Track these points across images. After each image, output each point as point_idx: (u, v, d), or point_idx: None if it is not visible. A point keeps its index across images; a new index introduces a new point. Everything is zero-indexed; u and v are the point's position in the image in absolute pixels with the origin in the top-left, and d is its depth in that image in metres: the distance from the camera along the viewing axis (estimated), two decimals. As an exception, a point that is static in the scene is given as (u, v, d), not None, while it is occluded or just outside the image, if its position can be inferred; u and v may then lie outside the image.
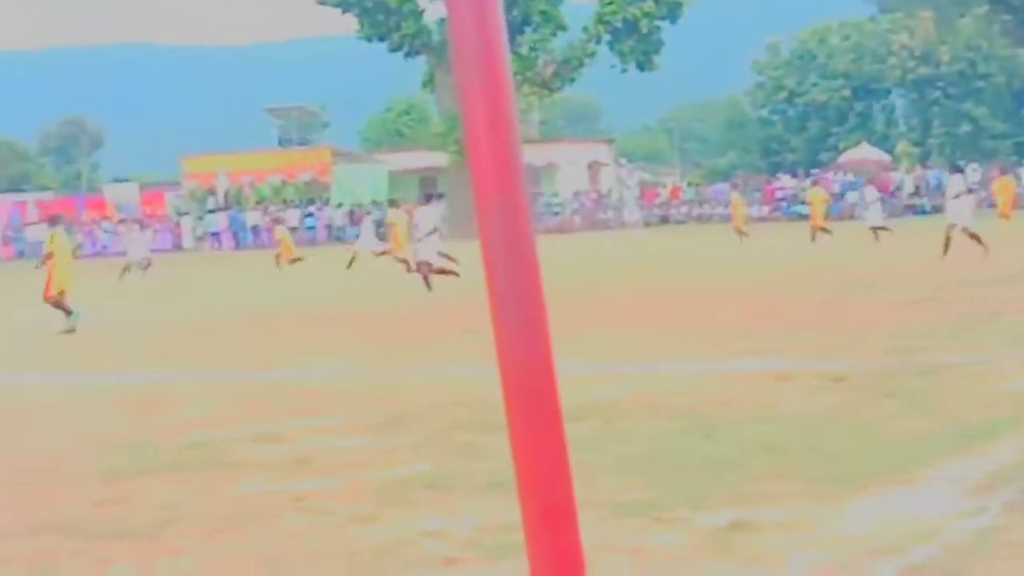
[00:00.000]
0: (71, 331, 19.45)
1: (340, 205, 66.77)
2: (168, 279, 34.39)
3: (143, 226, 49.19)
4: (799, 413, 8.99)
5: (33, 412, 11.22)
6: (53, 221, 22.82)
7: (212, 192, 69.43)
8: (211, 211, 68.20)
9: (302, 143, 73.40)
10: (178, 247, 67.08)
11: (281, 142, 74.42)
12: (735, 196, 42.58)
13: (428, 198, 27.51)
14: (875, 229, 32.03)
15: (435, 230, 24.57)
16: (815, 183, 41.99)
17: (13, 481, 8.11)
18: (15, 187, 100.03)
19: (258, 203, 69.76)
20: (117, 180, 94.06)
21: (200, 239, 66.30)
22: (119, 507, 7.20)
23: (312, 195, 69.32)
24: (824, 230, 33.24)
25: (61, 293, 20.33)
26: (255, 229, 66.33)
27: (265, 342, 16.71)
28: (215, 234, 66.29)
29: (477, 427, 8.98)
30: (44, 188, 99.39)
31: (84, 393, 12.46)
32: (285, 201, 68.50)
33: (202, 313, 22.60)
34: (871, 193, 35.10)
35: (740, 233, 37.00)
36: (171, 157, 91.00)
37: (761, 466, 7.30)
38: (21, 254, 68.97)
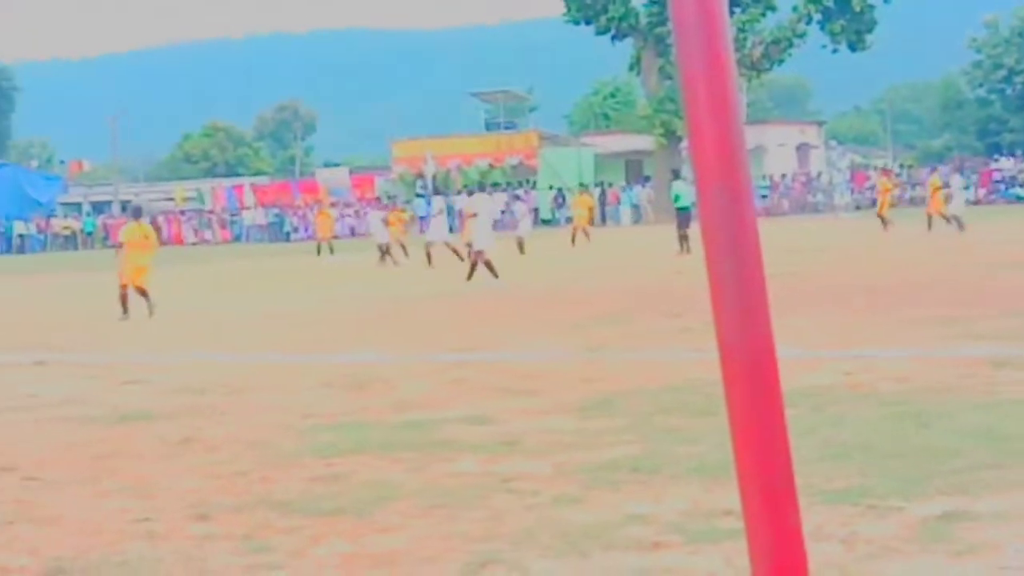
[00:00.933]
0: (148, 316, 20.50)
1: (552, 187, 67.03)
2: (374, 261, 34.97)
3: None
4: (1019, 400, 8.73)
5: (249, 390, 11.54)
6: (135, 213, 23.46)
7: (420, 176, 70.39)
8: (419, 195, 69.16)
9: (509, 127, 73.91)
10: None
11: (488, 126, 75.07)
12: (883, 181, 40.74)
13: (481, 186, 27.73)
14: None
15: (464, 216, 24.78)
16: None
17: (231, 457, 8.36)
18: (232, 171, 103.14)
19: (465, 187, 70.54)
20: (329, 164, 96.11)
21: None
22: (332, 485, 7.36)
23: (519, 179, 69.79)
24: None
25: (125, 286, 21.07)
26: (461, 214, 67.04)
27: (475, 323, 16.90)
28: (423, 218, 67.24)
29: (684, 411, 8.95)
30: (259, 172, 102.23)
31: (297, 373, 12.77)
32: (494, 184, 69.11)
33: (410, 294, 22.95)
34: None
35: (884, 221, 35.79)
36: (381, 141, 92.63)
37: (978, 454, 7.11)
38: (237, 237, 70.98)
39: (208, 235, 73.28)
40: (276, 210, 73.31)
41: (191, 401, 10.94)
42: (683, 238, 31.17)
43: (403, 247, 35.80)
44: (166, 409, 10.53)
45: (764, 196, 64.24)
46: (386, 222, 36.54)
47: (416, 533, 6.21)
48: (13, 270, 46.12)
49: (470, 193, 26.26)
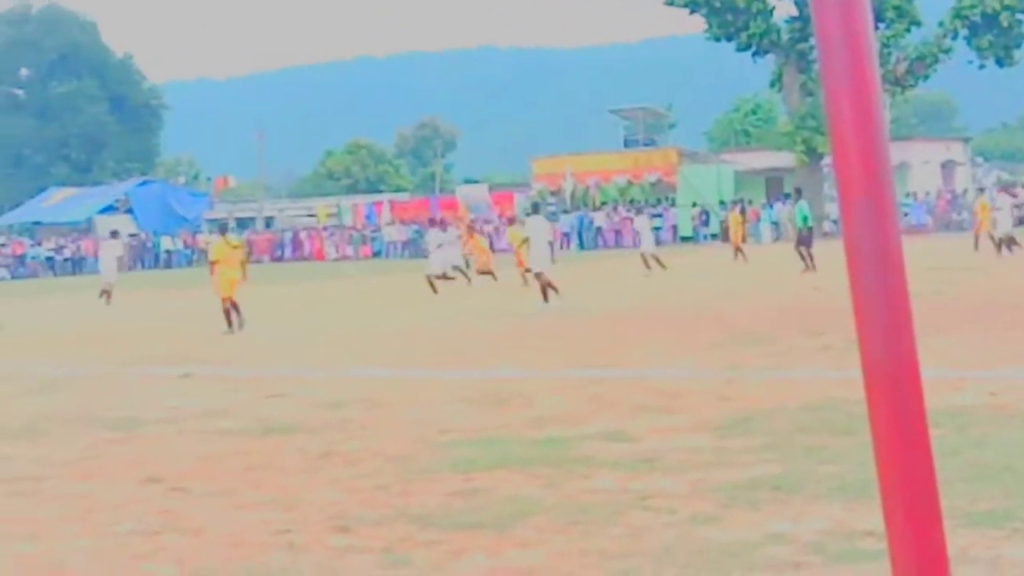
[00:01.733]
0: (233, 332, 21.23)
1: (695, 204, 66.65)
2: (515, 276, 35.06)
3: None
4: None
5: (389, 405, 11.65)
6: (221, 229, 23.98)
7: (559, 193, 70.48)
8: (552, 213, 69.27)
9: (648, 144, 73.68)
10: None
11: (627, 143, 74.91)
12: (981, 200, 39.31)
13: (536, 207, 27.54)
14: None
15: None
16: None
17: (371, 471, 8.44)
18: (373, 188, 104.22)
19: (603, 204, 70.45)
20: (469, 181, 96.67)
21: (550, 242, 67.29)
22: (470, 499, 7.40)
23: (658, 196, 69.53)
24: None
25: (226, 300, 21.79)
26: (599, 230, 67.03)
27: (613, 340, 16.86)
28: (564, 235, 67.17)
29: (824, 430, 8.84)
30: (399, 189, 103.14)
31: (435, 388, 12.86)
32: (631, 202, 68.94)
33: (549, 311, 22.96)
34: None
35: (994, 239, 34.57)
36: (520, 159, 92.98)
37: None
38: (378, 253, 71.67)
39: (349, 251, 74.14)
40: (416, 226, 73.94)
41: (332, 415, 11.07)
42: (807, 256, 31.14)
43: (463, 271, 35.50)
44: (308, 423, 10.68)
45: (906, 213, 63.19)
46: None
47: (554, 549, 6.22)
48: (160, 284, 47.10)
49: (528, 214, 26.05)
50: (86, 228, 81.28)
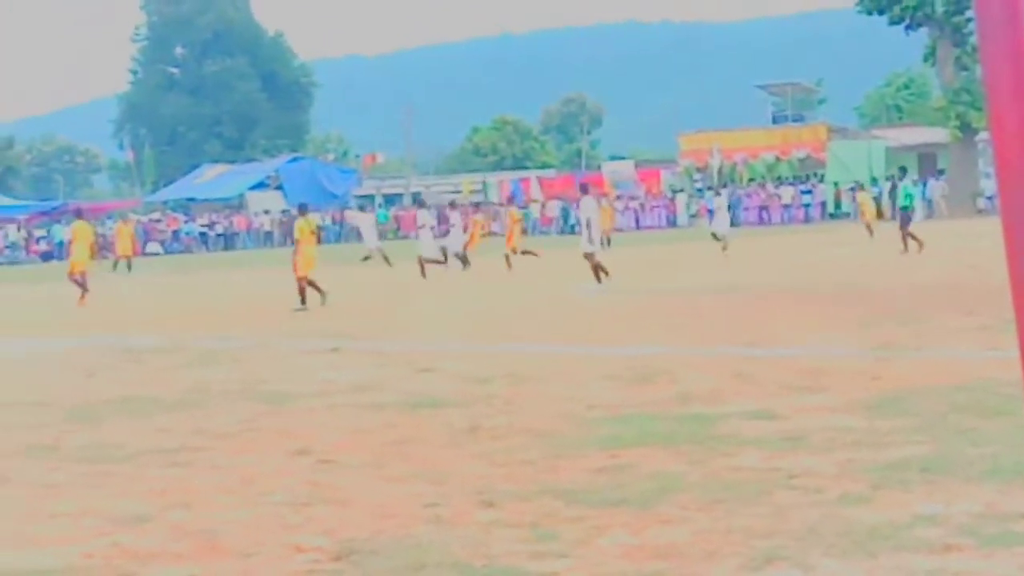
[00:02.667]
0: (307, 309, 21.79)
1: (836, 184, 65.73)
2: (659, 253, 34.96)
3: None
4: None
5: (535, 381, 11.70)
6: (302, 210, 24.28)
7: (706, 169, 69.96)
8: (699, 189, 68.77)
9: (796, 120, 72.81)
10: (672, 224, 68.14)
11: (775, 119, 74.10)
12: None
13: (584, 188, 27.03)
14: None
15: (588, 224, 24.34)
16: None
17: (516, 446, 8.50)
18: (519, 164, 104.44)
19: (751, 180, 69.79)
20: (614, 158, 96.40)
21: (694, 216, 66.89)
22: (615, 476, 7.41)
23: (806, 172, 68.66)
24: None
25: (302, 278, 22.36)
26: (747, 208, 66.45)
27: (759, 318, 16.72)
28: (709, 211, 66.64)
29: (978, 411, 8.67)
30: (545, 166, 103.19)
31: (581, 364, 12.87)
32: (779, 178, 68.18)
33: (689, 287, 22.85)
34: None
35: None
36: (667, 135, 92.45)
37: None
38: (524, 230, 71.82)
39: (496, 227, 74.43)
40: (561, 203, 73.96)
41: (479, 390, 11.16)
42: (906, 237, 30.57)
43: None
44: (455, 397, 10.78)
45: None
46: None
47: (698, 527, 6.20)
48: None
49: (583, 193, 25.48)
50: (238, 204, 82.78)
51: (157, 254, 70.26)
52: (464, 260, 33.96)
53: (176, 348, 16.51)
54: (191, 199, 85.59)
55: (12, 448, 9.40)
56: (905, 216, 31.53)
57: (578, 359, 13.35)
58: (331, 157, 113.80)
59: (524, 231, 37.51)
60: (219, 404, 11.13)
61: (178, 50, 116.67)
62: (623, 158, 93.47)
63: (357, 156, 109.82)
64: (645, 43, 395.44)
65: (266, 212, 77.97)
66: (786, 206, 66.06)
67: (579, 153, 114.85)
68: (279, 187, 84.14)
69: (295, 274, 22.48)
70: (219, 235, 77.08)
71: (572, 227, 71.20)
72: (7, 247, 74.72)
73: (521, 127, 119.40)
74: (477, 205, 43.97)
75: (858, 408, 9.23)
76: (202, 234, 77.32)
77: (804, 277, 24.30)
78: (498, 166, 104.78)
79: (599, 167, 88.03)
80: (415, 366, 13.20)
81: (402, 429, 9.38)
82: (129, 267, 44.00)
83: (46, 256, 72.55)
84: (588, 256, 24.01)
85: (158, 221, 78.34)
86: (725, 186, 68.25)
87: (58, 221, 76.71)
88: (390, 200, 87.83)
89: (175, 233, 77.01)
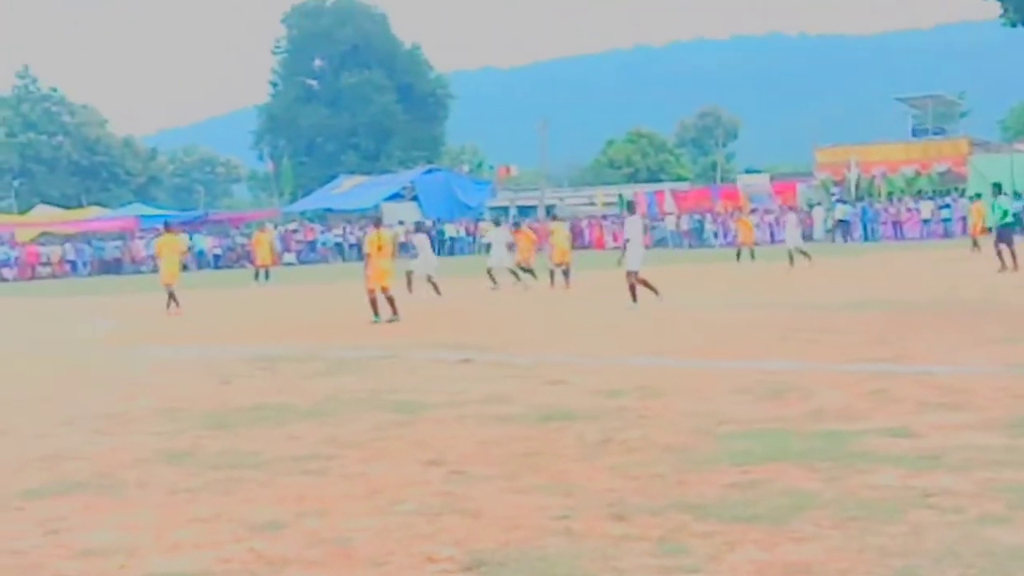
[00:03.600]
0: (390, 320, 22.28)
1: (976, 196, 64.42)
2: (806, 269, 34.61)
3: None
4: None
5: (666, 394, 11.62)
6: (376, 222, 24.42)
7: (842, 183, 69.10)
8: (841, 201, 67.88)
9: (937, 133, 71.57)
10: (807, 238, 67.38)
11: (915, 132, 72.93)
12: None
13: (631, 207, 26.88)
14: None
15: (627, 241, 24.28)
16: None
17: (648, 460, 8.45)
18: (654, 177, 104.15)
19: (889, 195, 68.75)
20: (750, 171, 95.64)
21: (830, 231, 66.06)
22: (747, 492, 7.33)
23: (947, 187, 67.44)
24: None
25: (383, 289, 22.66)
26: (884, 222, 65.46)
27: (892, 334, 16.44)
28: (845, 223, 65.71)
29: (1123, 433, 8.43)
30: (680, 178, 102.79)
31: (712, 378, 12.76)
32: (919, 192, 67.06)
33: (820, 302, 22.54)
34: None
35: None
36: (804, 148, 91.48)
37: None
38: (659, 243, 71.51)
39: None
40: (696, 216, 73.60)
41: (610, 403, 11.12)
42: (1007, 254, 30.05)
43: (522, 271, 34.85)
44: (586, 410, 10.75)
45: None
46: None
47: (831, 544, 6.11)
48: (444, 271, 48.08)
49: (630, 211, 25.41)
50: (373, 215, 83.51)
51: (292, 264, 71.30)
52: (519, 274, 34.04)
53: (310, 357, 16.71)
54: (328, 210, 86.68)
55: (150, 454, 9.59)
56: (1003, 233, 31.15)
57: (708, 373, 13.24)
58: (466, 169, 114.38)
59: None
60: (351, 413, 11.23)
61: (317, 62, 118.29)
62: (758, 171, 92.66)
63: (491, 168, 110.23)
64: (782, 56, 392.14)
65: (401, 223, 78.68)
66: (925, 221, 64.95)
67: (714, 166, 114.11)
68: (414, 198, 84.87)
69: (366, 287, 22.69)
70: (352, 245, 77.95)
71: (705, 240, 70.84)
72: (149, 256, 76.33)
73: (656, 140, 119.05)
74: (554, 216, 44.08)
75: (998, 426, 9.03)
76: (337, 244, 78.24)
77: (941, 293, 23.86)
78: (632, 179, 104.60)
79: (734, 180, 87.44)
80: (545, 378, 13.20)
81: (533, 441, 9.38)
82: (267, 276, 44.70)
83: (185, 265, 73.96)
84: (630, 274, 23.98)
85: (295, 231, 79.49)
86: (862, 199, 67.40)
87: (199, 231, 78.26)
88: (524, 212, 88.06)
89: (311, 243, 78.04)
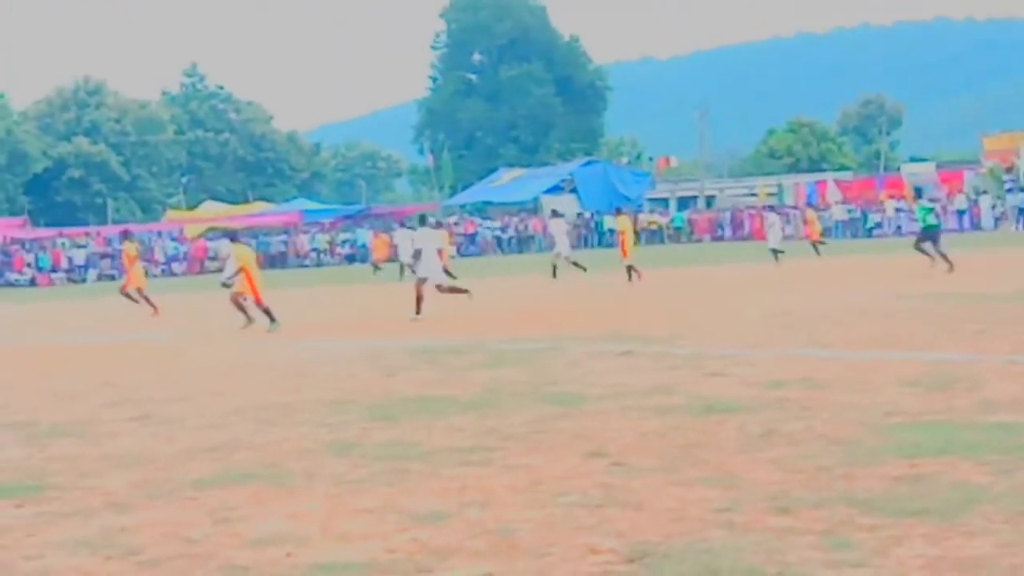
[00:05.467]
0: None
1: None
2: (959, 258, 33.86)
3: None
4: None
5: (829, 386, 11.47)
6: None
7: (1012, 170, 67.43)
8: (1008, 190, 66.27)
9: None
10: (976, 227, 65.84)
11: (1088, 117, 70.88)
12: None
13: (423, 219, 26.81)
14: None
15: None
16: None
17: (812, 452, 8.35)
18: (815, 167, 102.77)
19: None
20: (914, 159, 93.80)
21: (999, 219, 64.52)
22: (915, 485, 7.21)
23: None
24: None
25: (256, 301, 23.40)
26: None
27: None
28: (1020, 211, 64.04)
29: None
30: (843, 168, 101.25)
31: (876, 369, 12.55)
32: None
33: (995, 293, 22.04)
34: None
35: None
36: (970, 135, 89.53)
37: None
38: (826, 231, 70.57)
39: (789, 230, 73.42)
40: (859, 206, 72.46)
41: (772, 395, 11.02)
42: (931, 253, 30.32)
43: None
44: (748, 402, 10.67)
45: None
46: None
47: (1002, 539, 5.98)
48: (602, 262, 48.08)
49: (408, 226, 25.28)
50: (533, 208, 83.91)
51: (452, 257, 71.80)
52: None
53: (471, 349, 16.84)
54: (487, 202, 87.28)
55: (318, 445, 9.76)
56: (924, 235, 31.25)
57: (874, 364, 13.02)
58: (625, 160, 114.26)
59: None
60: (512, 405, 11.30)
61: (476, 56, 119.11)
62: (923, 160, 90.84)
63: (651, 159, 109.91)
64: (947, 42, 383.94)
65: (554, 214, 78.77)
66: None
67: (878, 155, 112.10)
68: (573, 190, 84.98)
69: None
70: (511, 238, 78.32)
71: (870, 230, 69.70)
72: (312, 250, 77.64)
73: (817, 129, 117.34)
74: (618, 209, 44.62)
75: None
76: (496, 237, 78.71)
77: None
78: (793, 168, 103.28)
79: (898, 169, 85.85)
80: (706, 370, 13.13)
81: (694, 433, 9.34)
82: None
83: (350, 258, 75.10)
84: (421, 281, 23.93)
85: (456, 224, 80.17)
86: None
87: (361, 225, 79.29)
88: (683, 203, 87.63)
89: (471, 236, 78.61)
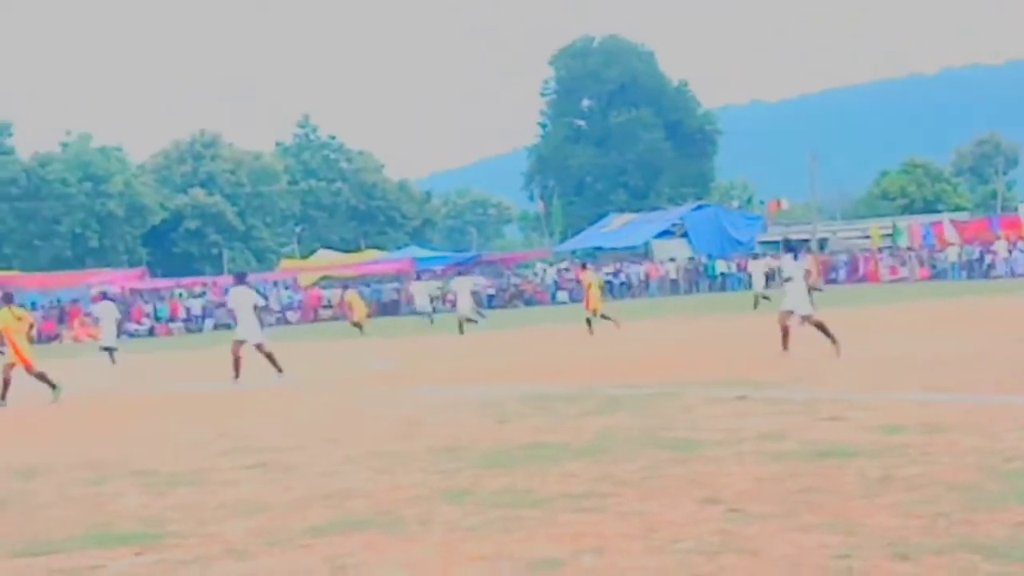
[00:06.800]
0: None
1: None
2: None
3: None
4: None
5: (948, 430, 11.28)
6: (6, 300, 23.22)
7: None
8: None
9: None
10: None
11: None
12: None
13: (240, 278, 26.38)
14: None
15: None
16: None
17: (931, 498, 8.22)
18: (929, 208, 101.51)
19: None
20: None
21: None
22: (1038, 531, 7.07)
23: None
24: None
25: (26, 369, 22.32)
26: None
27: None
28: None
29: None
30: (958, 208, 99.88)
31: (996, 414, 12.32)
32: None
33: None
34: None
35: None
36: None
37: None
38: (937, 275, 69.49)
39: (904, 272, 72.45)
40: (977, 247, 71.35)
41: (890, 439, 10.86)
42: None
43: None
44: (865, 446, 10.53)
45: None
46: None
47: None
48: (714, 307, 47.85)
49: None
50: (643, 253, 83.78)
51: (564, 303, 71.94)
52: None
53: (582, 395, 16.81)
54: (598, 248, 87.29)
55: (431, 491, 9.79)
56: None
57: (994, 409, 12.78)
58: (735, 204, 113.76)
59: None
60: (625, 451, 11.25)
61: (585, 102, 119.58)
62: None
63: (762, 202, 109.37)
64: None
65: (671, 260, 78.57)
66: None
67: (994, 195, 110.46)
68: (684, 235, 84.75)
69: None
70: (622, 283, 78.18)
71: (987, 270, 68.56)
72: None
73: (931, 169, 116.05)
74: (584, 264, 46.70)
75: None
76: (607, 282, 78.66)
77: None
78: (907, 210, 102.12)
79: (1015, 209, 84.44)
80: (821, 414, 12.97)
81: (810, 478, 9.23)
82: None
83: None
84: (805, 318, 21.71)
85: (566, 270, 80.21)
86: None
87: (472, 272, 79.63)
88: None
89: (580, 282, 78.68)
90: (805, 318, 21.56)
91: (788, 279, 22.04)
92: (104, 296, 43.78)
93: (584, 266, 42.63)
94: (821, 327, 21.27)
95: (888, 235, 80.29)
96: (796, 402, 14.41)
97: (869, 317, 33.64)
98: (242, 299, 24.43)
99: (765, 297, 43.62)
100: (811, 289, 22.21)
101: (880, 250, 76.92)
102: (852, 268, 76.16)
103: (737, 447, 11.03)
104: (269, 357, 23.76)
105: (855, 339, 24.38)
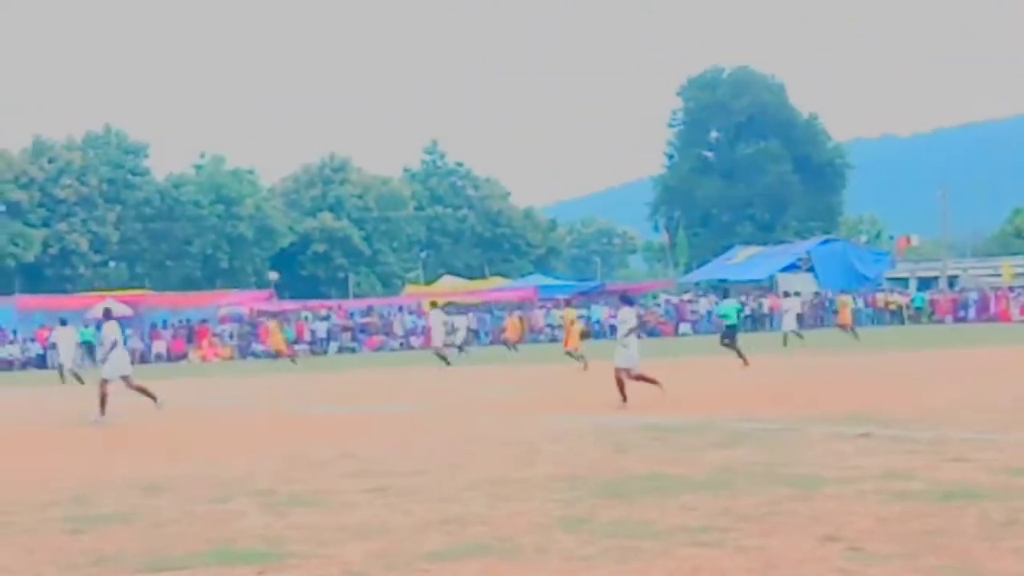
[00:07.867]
0: None
1: None
2: None
3: None
4: None
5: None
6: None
7: None
8: None
9: None
10: None
11: None
12: None
13: (107, 314, 25.19)
14: None
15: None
16: None
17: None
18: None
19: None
20: None
21: None
22: None
23: None
24: None
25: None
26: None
27: None
28: None
29: None
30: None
31: None
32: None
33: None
34: None
35: None
36: None
37: None
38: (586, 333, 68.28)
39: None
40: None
41: (1017, 482, 10.66)
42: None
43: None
44: (991, 489, 10.34)
45: None
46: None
47: None
48: (836, 343, 47.33)
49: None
50: (768, 286, 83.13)
51: (687, 335, 71.60)
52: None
53: (703, 428, 16.72)
54: (723, 280, 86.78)
55: (548, 520, 9.80)
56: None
57: None
58: (863, 239, 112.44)
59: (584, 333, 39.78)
60: (745, 485, 11.17)
61: (712, 134, 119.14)
62: None
63: (891, 238, 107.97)
64: None
65: (797, 294, 77.85)
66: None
67: None
68: (810, 269, 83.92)
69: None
70: (747, 316, 77.55)
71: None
72: (548, 325, 78.25)
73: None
74: (568, 301, 47.76)
75: None
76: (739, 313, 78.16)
77: None
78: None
79: None
80: (947, 454, 12.77)
81: (934, 519, 9.09)
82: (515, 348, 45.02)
83: (583, 335, 75.37)
84: (104, 383, 23.00)
85: (691, 302, 79.84)
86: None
87: (596, 302, 79.66)
88: (924, 284, 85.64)
89: (708, 314, 78.26)
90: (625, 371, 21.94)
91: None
92: (62, 322, 43.06)
93: (567, 302, 44.22)
94: (643, 378, 22.07)
95: (1021, 274, 78.76)
96: (921, 441, 14.20)
97: (999, 357, 33.00)
98: (111, 334, 24.15)
99: (799, 335, 45.09)
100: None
101: (1012, 289, 75.46)
102: (982, 306, 74.80)
103: (859, 485, 10.90)
104: (141, 390, 23.88)
105: (983, 379, 24.01)
